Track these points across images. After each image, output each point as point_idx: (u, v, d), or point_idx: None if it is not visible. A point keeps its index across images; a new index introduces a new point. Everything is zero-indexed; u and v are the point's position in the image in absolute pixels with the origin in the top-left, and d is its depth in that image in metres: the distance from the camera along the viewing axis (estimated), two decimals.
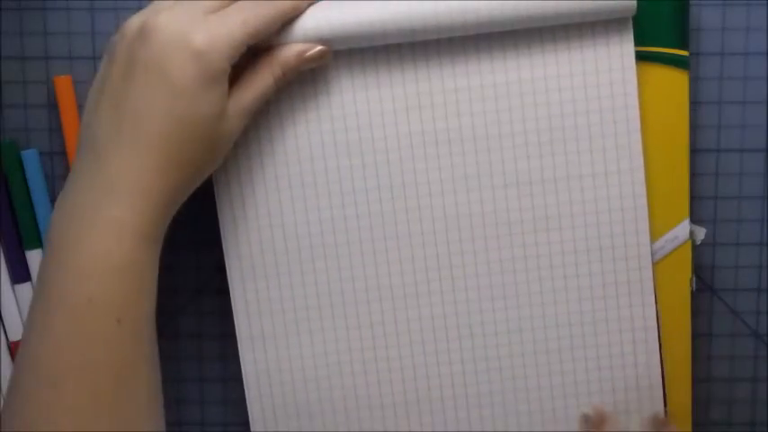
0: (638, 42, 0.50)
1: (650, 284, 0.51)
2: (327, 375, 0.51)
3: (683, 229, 0.51)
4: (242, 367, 0.51)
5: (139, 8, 0.52)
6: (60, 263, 0.44)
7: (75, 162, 0.46)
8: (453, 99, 0.49)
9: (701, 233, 0.52)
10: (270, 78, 0.47)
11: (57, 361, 0.43)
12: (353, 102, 0.49)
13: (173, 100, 0.44)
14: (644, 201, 0.50)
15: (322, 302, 0.51)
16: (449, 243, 0.50)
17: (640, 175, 0.50)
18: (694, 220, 0.52)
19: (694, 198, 0.52)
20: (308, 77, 0.49)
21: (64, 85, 0.52)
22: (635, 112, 0.49)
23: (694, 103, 0.52)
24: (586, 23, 0.49)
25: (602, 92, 0.49)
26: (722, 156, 0.53)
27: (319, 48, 0.47)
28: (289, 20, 0.47)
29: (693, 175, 0.52)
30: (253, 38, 0.45)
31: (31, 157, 0.53)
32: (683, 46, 0.50)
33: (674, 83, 0.50)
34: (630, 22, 0.49)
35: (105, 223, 0.43)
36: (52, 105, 0.53)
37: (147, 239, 0.44)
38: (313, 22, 0.47)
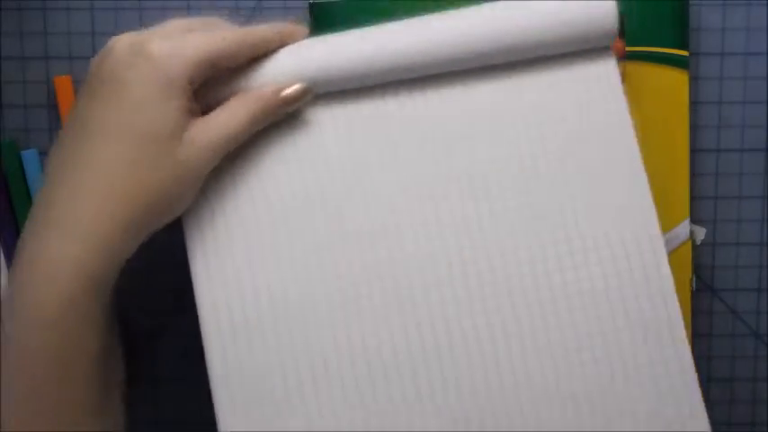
0: (638, 42, 0.50)
1: (680, 322, 0.45)
2: None
3: (683, 229, 0.51)
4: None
5: (138, 8, 0.52)
6: (4, 299, 0.41)
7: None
8: (453, 134, 0.46)
9: (701, 233, 0.52)
10: (243, 114, 0.43)
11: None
12: (335, 144, 0.46)
13: (124, 111, 0.41)
14: (658, 232, 0.46)
15: (317, 372, 0.45)
16: (444, 293, 0.45)
17: (650, 205, 0.46)
18: (694, 220, 0.52)
19: (694, 198, 0.52)
20: (286, 122, 0.46)
21: (64, 85, 0.52)
22: (632, 140, 0.46)
23: (694, 103, 0.52)
24: (569, 55, 0.47)
25: (594, 118, 0.46)
26: (722, 156, 0.53)
27: (297, 86, 0.44)
28: (260, 54, 0.44)
29: (693, 175, 0.52)
30: (215, 56, 0.42)
31: (31, 157, 0.53)
32: (683, 46, 0.50)
33: (674, 83, 0.50)
34: (611, 52, 0.47)
35: (46, 264, 0.40)
36: (52, 105, 0.53)
37: (93, 281, 0.41)
38: (294, 65, 0.45)
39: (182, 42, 0.42)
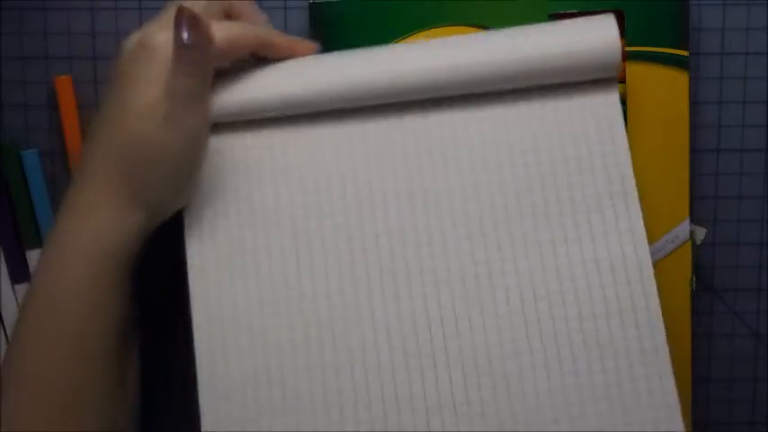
0: (638, 42, 0.50)
1: (666, 353, 0.46)
2: None
3: (683, 229, 0.51)
4: None
5: (139, 8, 0.53)
6: (32, 279, 0.45)
7: None
8: (440, 157, 0.48)
9: (701, 233, 0.52)
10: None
11: (22, 379, 0.43)
12: (335, 155, 0.48)
13: (130, 99, 0.43)
14: (648, 261, 0.47)
15: (298, 371, 0.46)
16: (440, 308, 0.46)
17: (641, 231, 0.47)
18: (694, 220, 0.52)
19: (694, 198, 0.52)
20: (286, 136, 0.48)
21: (64, 85, 0.52)
22: (628, 169, 0.47)
23: (694, 103, 0.52)
24: (572, 83, 0.48)
25: (593, 149, 0.48)
26: (722, 156, 0.53)
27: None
28: (264, 52, 0.47)
29: (693, 175, 0.52)
30: (216, 45, 0.44)
31: (31, 157, 0.53)
32: (683, 46, 0.50)
33: (674, 83, 0.50)
34: (616, 82, 0.48)
35: (60, 240, 0.44)
36: (52, 105, 0.53)
37: (104, 260, 0.44)
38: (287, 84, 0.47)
39: None
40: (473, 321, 0.46)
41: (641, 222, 0.47)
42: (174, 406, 0.54)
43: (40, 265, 0.45)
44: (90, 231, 0.44)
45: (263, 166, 0.48)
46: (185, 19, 0.42)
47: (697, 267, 0.52)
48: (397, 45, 0.48)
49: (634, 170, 0.50)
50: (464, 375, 0.46)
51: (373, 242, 0.47)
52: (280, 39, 0.47)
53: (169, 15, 0.44)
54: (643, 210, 0.49)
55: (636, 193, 0.47)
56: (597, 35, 0.46)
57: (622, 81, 0.51)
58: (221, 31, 0.44)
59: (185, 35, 0.42)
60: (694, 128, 0.52)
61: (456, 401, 0.46)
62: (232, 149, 0.48)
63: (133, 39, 0.44)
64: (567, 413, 0.45)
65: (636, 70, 0.50)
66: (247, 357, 0.46)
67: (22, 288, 0.53)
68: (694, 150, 0.52)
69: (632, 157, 0.50)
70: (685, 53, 0.50)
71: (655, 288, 0.47)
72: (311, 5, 0.51)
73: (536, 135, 0.48)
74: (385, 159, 0.48)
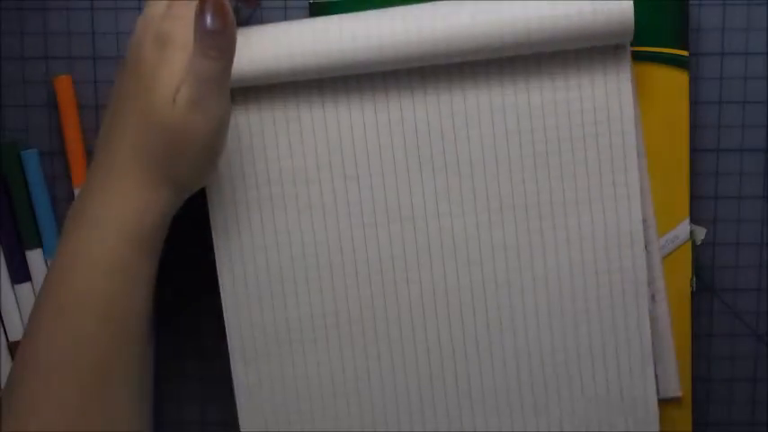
0: (638, 42, 0.50)
1: (646, 315, 0.50)
2: (321, 396, 0.51)
3: (683, 229, 0.51)
4: (234, 388, 0.51)
5: (139, 8, 0.53)
6: (54, 261, 0.45)
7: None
8: (450, 123, 0.49)
9: (701, 233, 0.52)
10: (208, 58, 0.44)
11: (44, 357, 0.43)
12: (349, 123, 0.49)
13: (156, 98, 0.44)
14: (640, 229, 0.49)
15: (316, 323, 0.50)
16: (444, 265, 0.50)
17: (637, 203, 0.49)
18: (694, 220, 0.52)
19: (694, 198, 0.52)
20: (303, 100, 0.49)
21: (64, 85, 0.52)
22: (632, 140, 0.49)
23: (694, 103, 0.52)
24: (584, 50, 0.48)
25: (599, 117, 0.49)
26: (722, 156, 0.53)
27: None
28: None
29: (693, 175, 0.52)
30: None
31: (31, 157, 0.53)
32: (683, 46, 0.50)
33: (674, 83, 0.50)
34: (628, 50, 0.49)
35: (89, 221, 0.44)
36: (52, 105, 0.53)
37: (136, 239, 0.44)
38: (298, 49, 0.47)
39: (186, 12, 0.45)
40: (473, 277, 0.50)
41: (638, 189, 0.49)
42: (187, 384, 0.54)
43: (65, 250, 0.45)
44: (123, 211, 0.44)
45: (279, 133, 0.49)
46: (209, 4, 0.43)
47: (697, 267, 0.52)
48: (404, 8, 0.48)
49: None
50: (463, 329, 0.50)
51: (387, 205, 0.50)
52: None
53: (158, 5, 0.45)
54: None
55: (635, 162, 0.49)
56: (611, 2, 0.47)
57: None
58: None
59: (209, 20, 0.43)
60: (694, 128, 0.52)
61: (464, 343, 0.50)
62: (248, 119, 0.49)
63: (144, 31, 0.45)
64: (552, 356, 0.50)
65: (636, 70, 0.50)
66: (272, 315, 0.50)
67: (22, 288, 0.53)
68: (694, 150, 0.52)
69: None
70: (685, 53, 0.50)
71: (643, 257, 0.49)
72: (311, 5, 0.51)
73: (545, 101, 0.49)
74: (398, 127, 0.49)
